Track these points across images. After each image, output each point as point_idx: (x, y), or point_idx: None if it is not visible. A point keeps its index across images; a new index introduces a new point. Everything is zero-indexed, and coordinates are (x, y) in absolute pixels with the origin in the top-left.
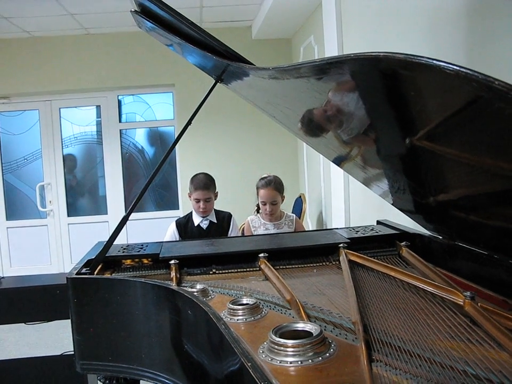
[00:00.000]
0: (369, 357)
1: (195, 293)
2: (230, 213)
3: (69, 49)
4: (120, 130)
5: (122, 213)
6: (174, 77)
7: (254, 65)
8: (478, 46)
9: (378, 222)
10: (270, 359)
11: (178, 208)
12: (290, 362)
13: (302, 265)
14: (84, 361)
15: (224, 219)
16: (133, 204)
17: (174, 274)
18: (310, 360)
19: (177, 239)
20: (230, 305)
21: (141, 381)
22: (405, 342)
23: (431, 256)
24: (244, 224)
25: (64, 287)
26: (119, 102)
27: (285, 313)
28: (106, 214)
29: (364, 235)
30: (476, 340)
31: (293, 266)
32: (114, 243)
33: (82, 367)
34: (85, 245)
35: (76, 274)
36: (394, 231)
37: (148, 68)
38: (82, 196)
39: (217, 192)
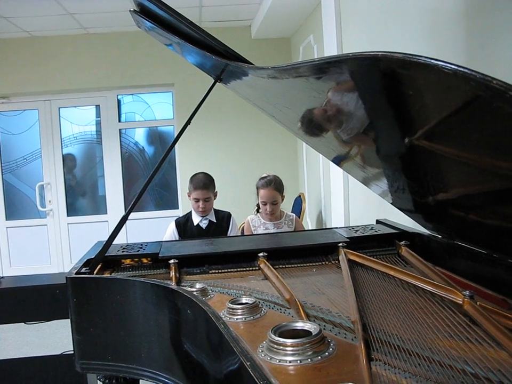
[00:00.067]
0: (368, 356)
1: (194, 292)
2: (229, 213)
3: (68, 48)
4: (120, 130)
5: (122, 213)
6: (174, 76)
7: (253, 64)
8: (477, 45)
9: (378, 221)
10: (269, 358)
11: (177, 208)
12: (290, 362)
13: (302, 265)
14: (84, 360)
15: (223, 219)
16: (132, 203)
17: (173, 273)
18: (309, 359)
19: (177, 239)
20: (230, 304)
21: (140, 380)
22: (404, 341)
23: (431, 255)
24: (243, 223)
25: (64, 286)
26: (119, 102)
27: (284, 312)
28: (106, 213)
29: (363, 234)
30: (475, 339)
31: (293, 265)
32: (113, 243)
33: (82, 366)
34: (84, 244)
35: (76, 273)
36: (393, 231)
37: (147, 68)
38: (81, 195)
39: (216, 192)
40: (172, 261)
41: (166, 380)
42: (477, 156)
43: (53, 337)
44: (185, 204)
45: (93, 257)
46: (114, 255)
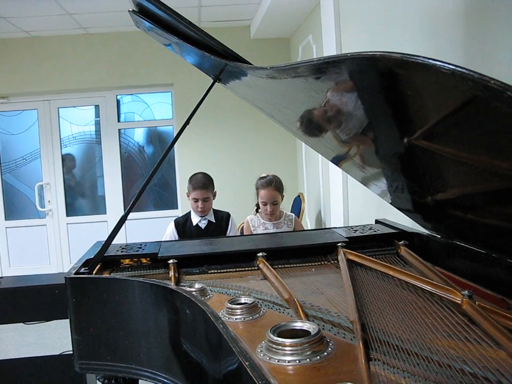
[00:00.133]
0: (367, 355)
1: (193, 292)
2: (228, 213)
3: (67, 49)
4: (119, 130)
5: (121, 213)
6: (173, 76)
7: (252, 64)
8: (476, 45)
9: (377, 221)
10: (268, 358)
11: (177, 208)
12: (288, 361)
13: (301, 265)
14: (83, 360)
15: (222, 219)
16: (132, 203)
17: (172, 273)
18: (308, 359)
19: (176, 239)
20: (229, 304)
21: (139, 380)
22: (403, 340)
23: (429, 255)
24: (242, 223)
25: (63, 287)
26: (118, 102)
27: (283, 312)
28: (105, 213)
29: (362, 234)
30: (474, 339)
31: (292, 265)
32: (113, 242)
33: (81, 366)
34: (84, 244)
35: (75, 274)
36: (392, 230)
37: (146, 68)
38: (81, 195)
39: (215, 192)
40: (171, 261)
41: (165, 380)
42: (476, 155)
43: (52, 338)
44: (185, 204)
45: (92, 257)
46: (114, 255)
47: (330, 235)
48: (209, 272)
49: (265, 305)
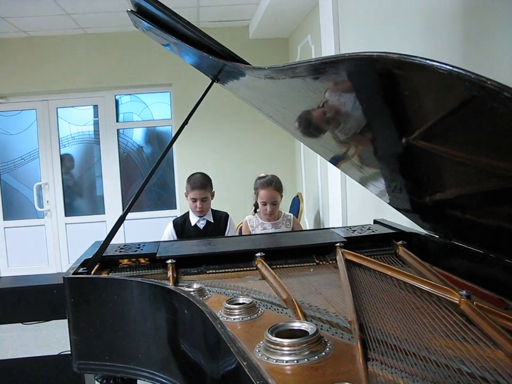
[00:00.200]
0: (365, 355)
1: (192, 293)
2: (227, 213)
3: (66, 49)
4: (118, 130)
5: (120, 213)
6: (171, 76)
7: (250, 65)
8: (474, 45)
9: (375, 221)
10: (266, 358)
11: (175, 208)
12: (286, 361)
13: (299, 265)
14: (81, 361)
15: (221, 219)
16: (130, 203)
17: (170, 273)
18: (306, 359)
19: (175, 239)
20: (227, 304)
21: (138, 380)
22: (401, 340)
23: (428, 255)
24: (241, 223)
25: (61, 287)
26: (116, 102)
27: (281, 312)
28: (104, 213)
29: (360, 234)
30: (472, 339)
31: (290, 265)
32: (111, 243)
33: (79, 366)
34: (82, 244)
35: (73, 274)
36: (391, 230)
37: (145, 68)
38: (79, 195)
39: (214, 192)
40: (169, 261)
41: (163, 380)
42: (473, 156)
43: (51, 338)
44: (183, 204)
45: (90, 257)
46: (112, 255)
47: (329, 235)
48: (207, 272)
49: (264, 305)
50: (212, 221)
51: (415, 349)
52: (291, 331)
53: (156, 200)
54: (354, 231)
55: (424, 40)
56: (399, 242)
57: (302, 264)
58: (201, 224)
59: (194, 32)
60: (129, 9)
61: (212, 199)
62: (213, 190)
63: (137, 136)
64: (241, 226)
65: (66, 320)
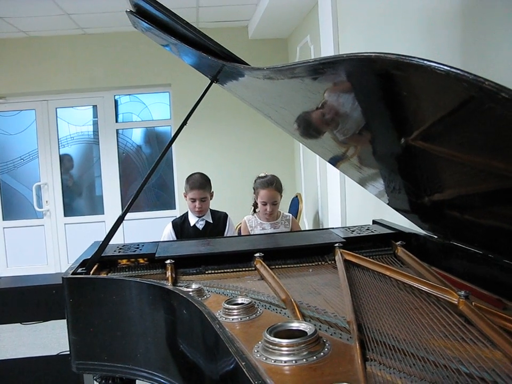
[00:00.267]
0: (364, 356)
1: (190, 293)
2: (226, 213)
3: (65, 49)
4: (117, 130)
5: (119, 213)
6: (171, 76)
7: (249, 65)
8: (474, 45)
9: (374, 222)
10: (264, 358)
11: (175, 208)
12: (285, 362)
13: (298, 265)
14: (80, 361)
15: (220, 219)
16: (129, 204)
17: (169, 274)
18: (304, 360)
19: (174, 240)
20: (225, 304)
21: (136, 380)
22: (399, 341)
23: (426, 255)
24: (240, 224)
25: (60, 287)
26: (116, 102)
27: (280, 312)
28: (103, 214)
29: (359, 235)
30: (470, 339)
31: (289, 266)
32: (110, 243)
33: (78, 367)
34: (81, 245)
35: (72, 274)
36: (389, 231)
37: (144, 68)
38: (78, 195)
39: (212, 192)
40: (168, 261)
41: (162, 380)
42: (472, 156)
43: (50, 338)
44: (182, 204)
45: (89, 257)
46: (111, 256)
47: (328, 235)
48: (206, 272)
49: (262, 306)
50: (211, 221)
51: (413, 349)
52: (290, 331)
53: (155, 201)
54: (353, 231)
55: (424, 39)
56: (398, 243)
57: (301, 265)
58: (200, 225)
59: (193, 32)
60: (128, 10)
61: (210, 199)
62: (212, 190)
63: (137, 136)
64: (240, 226)
65: (65, 320)
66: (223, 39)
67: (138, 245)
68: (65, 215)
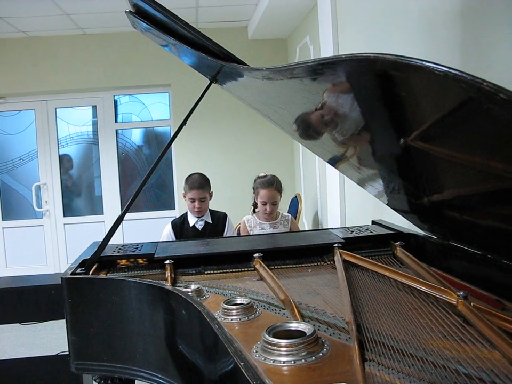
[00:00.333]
0: (362, 356)
1: (189, 293)
2: (225, 213)
3: (65, 49)
4: (116, 130)
5: (118, 213)
6: (170, 77)
7: (248, 65)
8: (473, 45)
9: (373, 222)
10: (263, 359)
11: (174, 208)
12: (284, 362)
13: (297, 265)
14: (79, 361)
15: (219, 219)
16: (128, 204)
17: (169, 274)
18: (303, 360)
19: (173, 240)
20: (224, 305)
21: (135, 380)
22: (398, 341)
23: (425, 256)
24: (239, 224)
25: (59, 287)
26: (115, 102)
27: (279, 313)
28: (102, 214)
29: (358, 235)
30: (469, 339)
31: (288, 266)
32: (109, 243)
33: (77, 367)
34: (81, 245)
35: (71, 274)
36: (389, 231)
37: (144, 68)
38: (78, 196)
39: (212, 192)
40: (167, 262)
41: (161, 380)
42: (470, 157)
43: (49, 338)
44: (182, 204)
45: (88, 257)
46: (110, 256)
47: (327, 236)
48: (205, 272)
49: (261, 306)
50: (210, 222)
51: (412, 349)
52: (288, 332)
53: (154, 201)
54: (352, 231)
55: (423, 40)
56: (397, 243)
57: (300, 265)
58: (200, 226)
59: (193, 33)
60: (127, 10)
61: (210, 199)
62: (211, 190)
63: (136, 136)
64: (239, 226)
65: (64, 321)
66: (222, 40)
67: (137, 245)
68: (64, 215)
